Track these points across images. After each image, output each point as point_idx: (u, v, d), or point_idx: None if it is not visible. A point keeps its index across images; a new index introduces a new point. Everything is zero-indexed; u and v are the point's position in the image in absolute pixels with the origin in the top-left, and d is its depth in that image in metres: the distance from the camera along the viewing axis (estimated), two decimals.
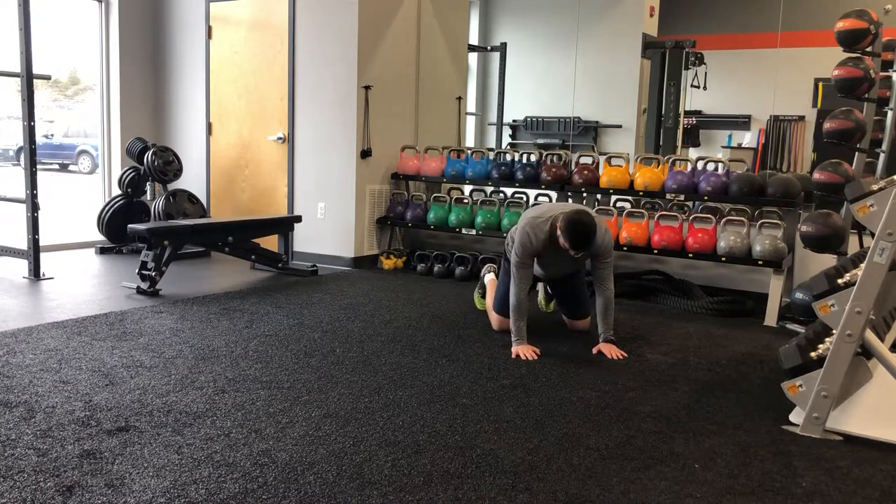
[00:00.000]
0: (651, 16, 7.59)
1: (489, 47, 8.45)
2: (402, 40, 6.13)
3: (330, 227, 5.93)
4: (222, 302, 4.48)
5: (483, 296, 4.44)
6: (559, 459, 2.42)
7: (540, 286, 4.59)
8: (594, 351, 3.66)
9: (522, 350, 3.55)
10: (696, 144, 8.52)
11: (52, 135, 14.81)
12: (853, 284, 2.66)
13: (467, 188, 6.05)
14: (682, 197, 4.98)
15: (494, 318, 4.05)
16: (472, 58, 8.23)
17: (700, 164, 5.13)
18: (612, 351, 3.63)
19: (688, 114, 7.92)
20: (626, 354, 3.63)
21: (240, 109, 6.32)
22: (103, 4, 6.49)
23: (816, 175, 4.20)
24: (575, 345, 3.83)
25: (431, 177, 5.95)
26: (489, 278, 4.42)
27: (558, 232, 3.47)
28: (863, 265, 2.64)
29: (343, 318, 4.20)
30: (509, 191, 5.81)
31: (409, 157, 6.07)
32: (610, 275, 3.71)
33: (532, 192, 5.66)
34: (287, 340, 3.70)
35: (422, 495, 2.14)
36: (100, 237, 6.19)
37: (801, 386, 2.76)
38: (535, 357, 3.52)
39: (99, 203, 6.47)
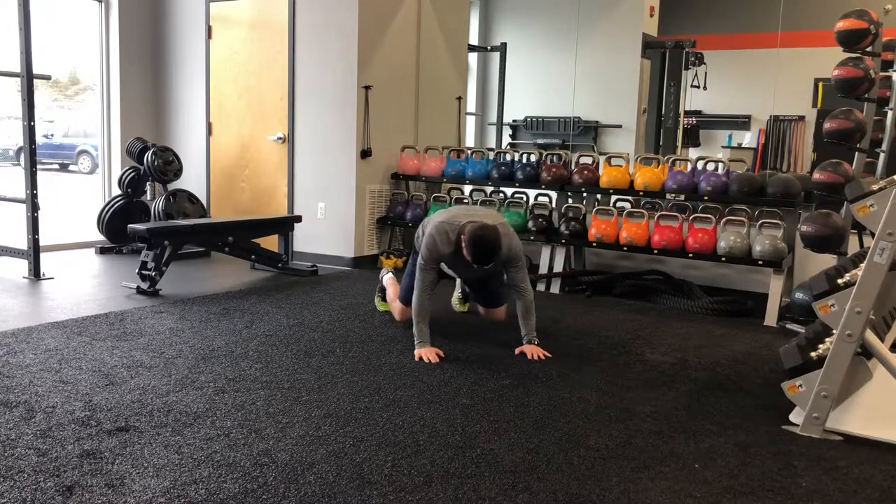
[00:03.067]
0: (651, 16, 7.59)
1: (489, 47, 8.45)
2: (402, 40, 6.13)
3: (330, 227, 5.93)
4: (222, 302, 4.48)
5: (383, 298, 4.35)
6: (559, 459, 2.42)
7: (458, 282, 4.49)
8: (516, 352, 3.58)
9: (425, 352, 3.46)
10: (696, 144, 8.52)
11: (52, 135, 14.80)
12: (853, 284, 2.66)
13: (467, 188, 6.05)
14: (682, 197, 4.98)
15: (398, 308, 4.02)
16: (472, 58, 8.23)
17: (700, 164, 5.13)
18: (534, 352, 3.56)
19: (688, 114, 7.92)
20: (549, 355, 3.55)
21: (240, 109, 6.32)
22: (103, 4, 6.49)
23: (816, 175, 4.20)
24: (573, 345, 3.83)
25: (431, 177, 5.95)
26: (388, 278, 4.34)
27: (463, 244, 3.45)
28: (863, 265, 2.64)
29: (343, 318, 4.20)
30: (509, 191, 5.81)
31: (409, 157, 6.07)
32: (524, 278, 3.65)
33: (532, 192, 5.66)
34: (287, 340, 3.70)
35: (422, 495, 2.14)
36: (100, 237, 6.19)
37: (801, 386, 2.76)
38: (437, 360, 3.43)
39: (99, 203, 6.47)
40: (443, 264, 3.73)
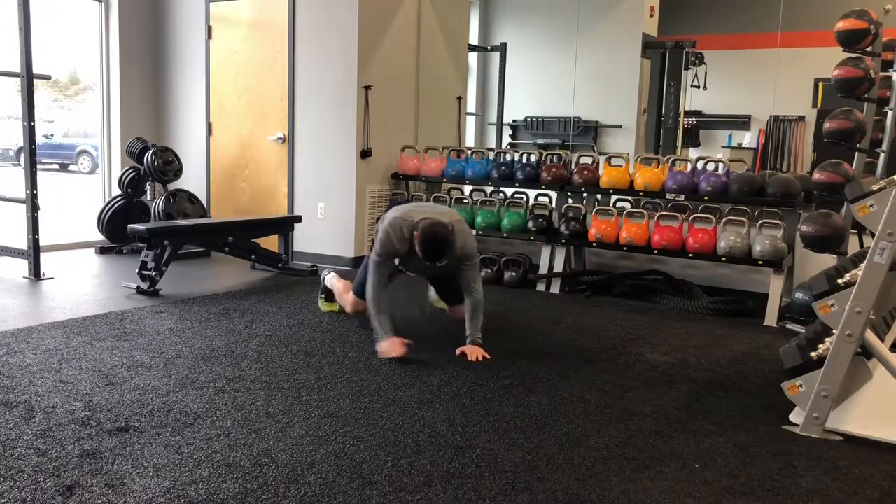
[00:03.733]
0: (651, 16, 7.59)
1: (489, 47, 8.45)
2: (402, 40, 6.13)
3: (330, 227, 5.93)
4: (222, 302, 4.48)
5: (327, 299, 4.32)
6: (559, 459, 2.42)
7: None
8: (457, 352, 3.52)
9: (388, 343, 3.43)
10: (696, 144, 8.52)
11: (52, 135, 14.81)
12: (853, 284, 2.66)
13: (467, 188, 6.05)
14: (682, 197, 4.98)
15: (350, 299, 3.99)
16: (472, 58, 8.23)
17: (700, 164, 5.13)
18: (474, 352, 3.49)
19: (688, 114, 7.92)
20: (489, 356, 3.48)
21: (240, 109, 6.32)
22: (103, 4, 6.49)
23: (816, 175, 4.20)
24: (574, 345, 3.83)
25: (431, 177, 5.95)
26: (330, 277, 4.30)
27: (415, 241, 3.43)
28: (863, 265, 2.64)
29: (343, 317, 4.20)
30: (509, 191, 5.81)
31: (409, 157, 6.07)
32: (476, 277, 3.63)
33: (532, 192, 5.66)
34: (287, 340, 3.70)
35: (422, 495, 2.14)
36: (100, 237, 6.19)
37: (801, 386, 2.76)
38: (404, 349, 3.40)
39: (99, 203, 6.47)
40: (398, 261, 3.69)
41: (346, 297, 4.08)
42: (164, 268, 4.69)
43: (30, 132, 4.82)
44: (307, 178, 6.01)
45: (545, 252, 5.34)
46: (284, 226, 5.54)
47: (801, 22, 7.64)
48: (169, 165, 6.01)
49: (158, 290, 4.64)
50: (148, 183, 6.19)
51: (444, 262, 3.48)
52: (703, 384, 3.28)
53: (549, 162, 5.51)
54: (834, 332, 2.69)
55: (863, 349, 2.72)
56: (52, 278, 4.97)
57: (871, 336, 2.68)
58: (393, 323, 3.58)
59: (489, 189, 5.97)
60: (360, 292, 3.88)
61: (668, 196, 5.04)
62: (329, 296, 4.33)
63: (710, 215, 4.86)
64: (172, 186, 6.12)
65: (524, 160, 5.65)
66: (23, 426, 2.52)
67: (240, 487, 2.14)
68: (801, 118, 8.21)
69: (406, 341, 3.49)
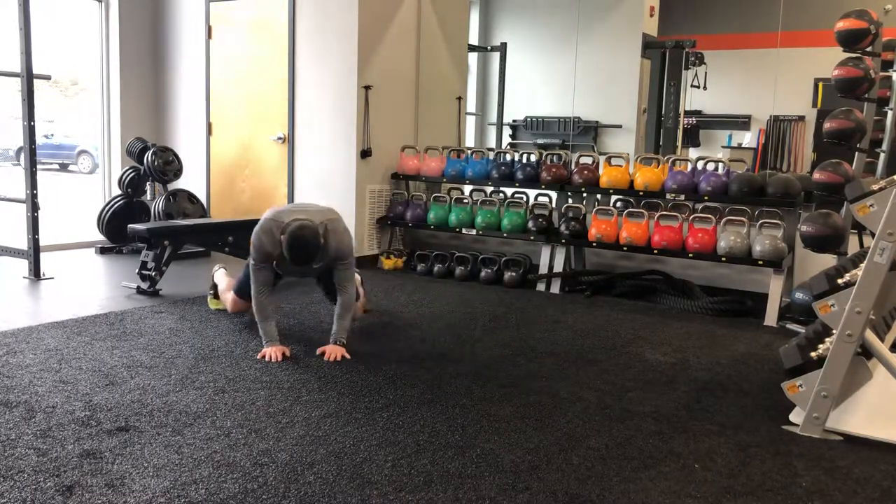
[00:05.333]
0: (651, 16, 7.59)
1: (489, 47, 8.45)
2: (402, 40, 6.13)
3: None
4: None
5: (216, 296, 4.27)
6: (559, 459, 2.42)
7: None
8: (318, 352, 3.47)
9: (271, 351, 3.39)
10: (696, 144, 8.52)
11: (52, 135, 14.81)
12: (853, 284, 2.66)
13: (467, 188, 6.05)
14: (682, 197, 4.98)
15: (230, 298, 3.93)
16: (472, 58, 8.23)
17: (700, 164, 5.13)
18: (334, 352, 3.42)
19: (688, 114, 7.92)
20: (348, 356, 3.43)
21: (240, 109, 6.32)
22: (103, 4, 6.49)
23: (816, 175, 4.20)
24: (574, 344, 3.83)
25: (431, 177, 5.94)
26: (219, 274, 4.26)
27: (282, 245, 3.35)
28: (863, 265, 2.64)
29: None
30: (509, 191, 5.81)
31: (409, 157, 6.07)
32: (349, 277, 3.58)
33: (532, 192, 5.66)
34: (287, 340, 3.69)
35: (422, 495, 2.14)
36: (100, 237, 6.19)
37: (801, 386, 2.76)
38: (281, 358, 3.37)
39: (99, 203, 6.47)
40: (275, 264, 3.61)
41: (227, 295, 4.01)
42: (164, 268, 4.69)
43: (30, 132, 4.82)
44: (307, 178, 6.01)
45: (545, 252, 5.34)
46: None
47: (801, 22, 7.64)
48: (169, 165, 6.01)
49: (158, 290, 4.64)
50: (148, 183, 6.19)
51: (317, 264, 3.45)
52: (703, 384, 3.28)
53: (549, 162, 5.51)
54: (834, 332, 2.69)
55: (863, 349, 2.72)
56: (52, 278, 4.97)
57: (871, 336, 2.68)
58: (277, 329, 3.52)
59: (489, 189, 5.97)
60: (240, 291, 3.81)
61: (668, 196, 5.04)
62: (217, 292, 4.26)
63: (710, 215, 4.86)
64: (172, 186, 6.12)
65: (524, 160, 5.65)
66: (23, 426, 2.52)
67: (240, 487, 2.14)
68: (801, 118, 8.21)
69: (287, 351, 3.43)
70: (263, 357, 3.39)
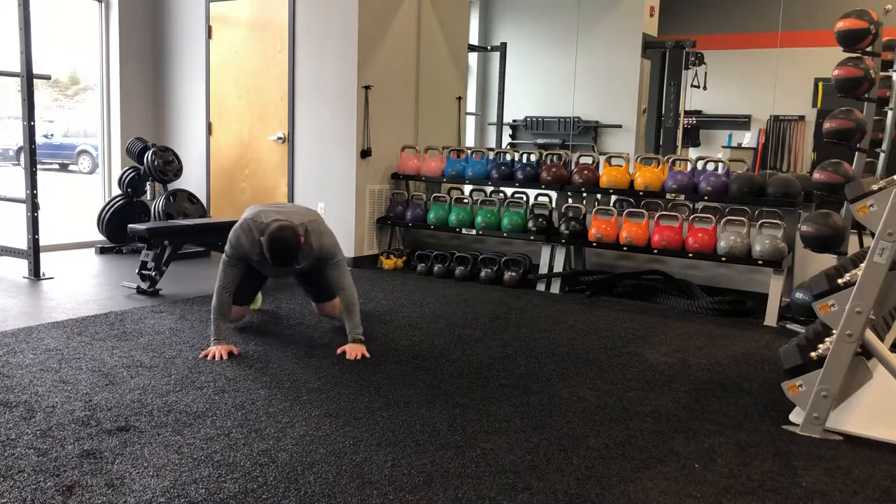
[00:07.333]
0: (651, 16, 7.59)
1: (489, 47, 8.45)
2: (402, 40, 6.13)
3: (330, 226, 5.91)
4: None
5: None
6: (559, 459, 2.42)
7: None
8: (338, 351, 3.48)
9: (216, 350, 3.37)
10: (696, 144, 8.52)
11: (52, 135, 14.81)
12: (853, 284, 2.66)
13: (467, 188, 6.05)
14: (682, 197, 4.98)
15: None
16: (472, 58, 8.23)
17: (700, 164, 5.13)
18: (355, 351, 3.43)
19: (688, 114, 7.92)
20: (368, 355, 3.43)
21: (240, 109, 6.32)
22: (103, 4, 6.49)
23: (816, 175, 4.20)
24: (574, 344, 3.83)
25: (431, 177, 5.95)
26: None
27: (262, 246, 3.33)
28: (863, 265, 2.64)
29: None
30: (509, 191, 5.81)
31: (409, 156, 6.07)
32: (343, 274, 3.54)
33: (532, 192, 5.66)
34: (287, 340, 3.70)
35: (422, 495, 2.14)
36: (100, 237, 6.19)
37: (801, 386, 2.76)
38: (226, 356, 3.34)
39: (99, 203, 6.47)
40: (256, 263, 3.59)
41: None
42: (164, 268, 4.69)
43: (30, 132, 4.82)
44: (307, 178, 6.01)
45: (545, 252, 5.34)
46: None
47: (801, 22, 7.64)
48: (169, 165, 6.01)
49: (158, 290, 4.64)
50: (148, 183, 6.19)
51: (298, 265, 3.44)
52: (703, 384, 3.28)
53: (549, 162, 5.51)
54: (834, 332, 2.69)
55: (863, 349, 2.72)
56: (52, 278, 4.97)
57: (871, 336, 2.68)
58: (227, 330, 3.52)
59: (489, 189, 5.97)
60: (238, 299, 3.71)
61: (668, 196, 5.04)
62: None
63: (710, 215, 4.86)
64: (172, 186, 6.12)
65: (524, 160, 5.65)
66: (23, 426, 2.52)
67: (240, 487, 2.14)
68: (801, 118, 8.22)
69: (234, 349, 3.43)
70: (206, 356, 3.35)
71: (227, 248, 3.49)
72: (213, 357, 3.36)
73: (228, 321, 3.53)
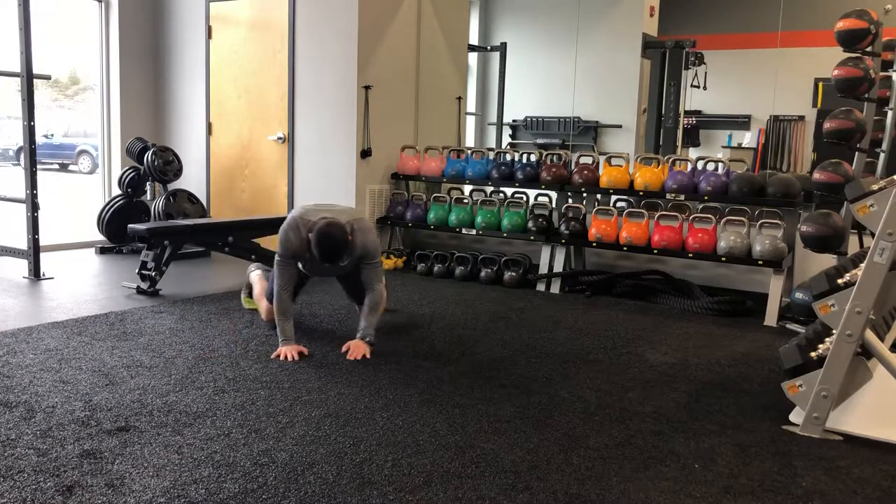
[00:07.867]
0: (651, 16, 7.59)
1: (489, 47, 8.45)
2: (402, 40, 6.13)
3: None
4: (222, 302, 4.48)
5: (250, 295, 4.29)
6: (559, 459, 2.42)
7: None
8: (343, 348, 3.50)
9: (287, 350, 3.40)
10: (696, 144, 8.53)
11: (52, 135, 14.81)
12: (853, 284, 2.66)
13: (467, 188, 6.06)
14: (682, 197, 4.98)
15: (264, 306, 3.92)
16: (472, 58, 8.23)
17: (700, 164, 5.13)
18: (358, 349, 3.45)
19: (688, 114, 7.93)
20: (369, 356, 3.44)
21: (240, 109, 6.32)
22: (103, 4, 6.49)
23: (816, 175, 4.20)
24: (574, 344, 3.83)
25: (431, 177, 5.95)
26: (255, 275, 4.25)
27: (310, 242, 3.37)
28: (863, 265, 2.64)
29: (343, 317, 4.20)
30: (509, 191, 5.81)
31: (409, 157, 6.07)
32: (377, 276, 3.61)
33: (532, 192, 5.66)
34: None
35: (422, 495, 2.14)
36: (100, 237, 6.19)
37: (801, 386, 2.76)
38: (297, 357, 3.37)
39: (99, 203, 6.47)
40: (301, 264, 3.63)
41: (262, 302, 3.99)
42: (164, 268, 4.69)
43: (30, 132, 4.82)
44: (307, 178, 6.01)
45: (545, 252, 5.34)
46: None
47: (801, 22, 7.65)
48: (169, 165, 6.01)
49: (158, 290, 4.64)
50: (148, 183, 6.19)
51: (343, 262, 3.46)
52: (703, 384, 3.28)
53: (549, 162, 5.51)
54: (834, 332, 2.69)
55: (863, 349, 2.72)
56: (52, 278, 4.97)
57: (871, 336, 2.68)
58: (294, 328, 3.53)
59: (489, 189, 5.97)
60: (271, 297, 3.74)
61: (668, 196, 5.04)
62: (252, 292, 4.26)
63: (710, 215, 4.86)
64: (172, 186, 6.12)
65: (524, 160, 5.65)
66: (23, 426, 2.52)
67: (240, 487, 2.14)
68: (801, 118, 8.22)
69: (304, 350, 3.45)
70: (279, 356, 3.39)
71: (278, 247, 3.53)
72: (285, 357, 3.37)
73: (288, 320, 3.51)
